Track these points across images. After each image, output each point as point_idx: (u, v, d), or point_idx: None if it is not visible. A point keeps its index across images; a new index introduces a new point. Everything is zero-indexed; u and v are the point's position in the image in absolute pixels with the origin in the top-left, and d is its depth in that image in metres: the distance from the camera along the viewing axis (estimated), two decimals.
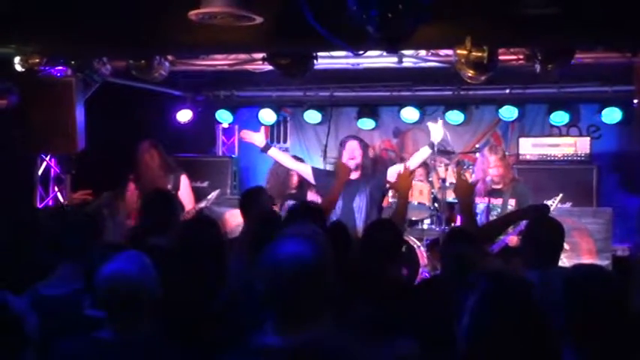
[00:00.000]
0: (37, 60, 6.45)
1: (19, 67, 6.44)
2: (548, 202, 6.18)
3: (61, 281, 3.48)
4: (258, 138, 6.70)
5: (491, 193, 6.62)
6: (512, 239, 6.33)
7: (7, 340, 2.44)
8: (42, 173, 7.99)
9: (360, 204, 6.37)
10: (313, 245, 2.40)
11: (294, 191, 7.03)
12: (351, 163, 6.34)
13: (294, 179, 7.03)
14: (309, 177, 6.73)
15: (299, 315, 2.34)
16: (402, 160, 9.90)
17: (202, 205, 7.11)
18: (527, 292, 2.22)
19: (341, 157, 6.42)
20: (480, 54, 5.62)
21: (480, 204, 6.65)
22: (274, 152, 6.76)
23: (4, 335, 2.44)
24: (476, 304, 2.18)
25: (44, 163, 8.00)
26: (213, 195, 7.36)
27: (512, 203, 6.55)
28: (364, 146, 6.60)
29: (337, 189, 5.95)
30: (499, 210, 6.58)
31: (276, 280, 2.34)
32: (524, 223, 5.12)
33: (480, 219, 6.50)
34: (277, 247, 2.39)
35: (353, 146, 6.52)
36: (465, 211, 5.38)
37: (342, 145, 6.62)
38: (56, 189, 8.10)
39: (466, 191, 5.32)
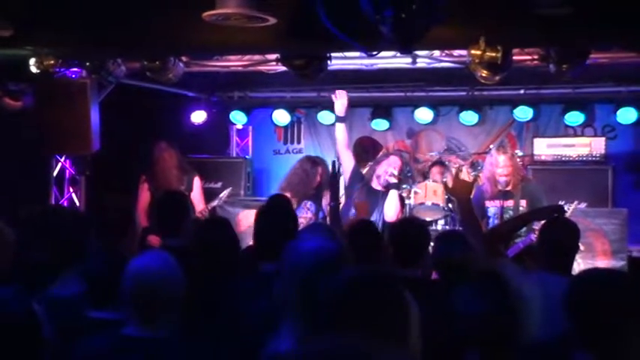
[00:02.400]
0: (53, 62, 6.50)
1: (34, 69, 6.49)
2: None
3: (64, 283, 3.48)
4: (339, 106, 6.91)
5: (503, 195, 6.47)
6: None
7: (29, 345, 2.41)
8: (57, 174, 8.05)
9: (377, 217, 6.44)
10: (333, 241, 2.41)
11: (313, 191, 7.01)
12: (386, 178, 6.42)
13: (317, 179, 7.02)
14: (348, 171, 6.81)
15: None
16: (416, 160, 9.94)
17: (214, 203, 7.13)
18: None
19: (365, 159, 6.43)
20: (493, 54, 5.61)
21: (491, 207, 6.50)
22: (341, 129, 6.90)
23: (28, 341, 2.40)
24: None
25: (59, 165, 8.05)
26: (224, 193, 7.39)
27: (523, 204, 6.39)
28: (404, 164, 6.66)
29: None
30: (511, 212, 6.40)
31: (297, 274, 2.35)
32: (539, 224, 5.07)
33: (492, 222, 6.41)
34: (298, 245, 2.41)
35: (395, 163, 6.59)
36: (466, 211, 5.32)
37: (384, 154, 6.68)
38: (71, 190, 8.15)
39: (465, 190, 5.25)
